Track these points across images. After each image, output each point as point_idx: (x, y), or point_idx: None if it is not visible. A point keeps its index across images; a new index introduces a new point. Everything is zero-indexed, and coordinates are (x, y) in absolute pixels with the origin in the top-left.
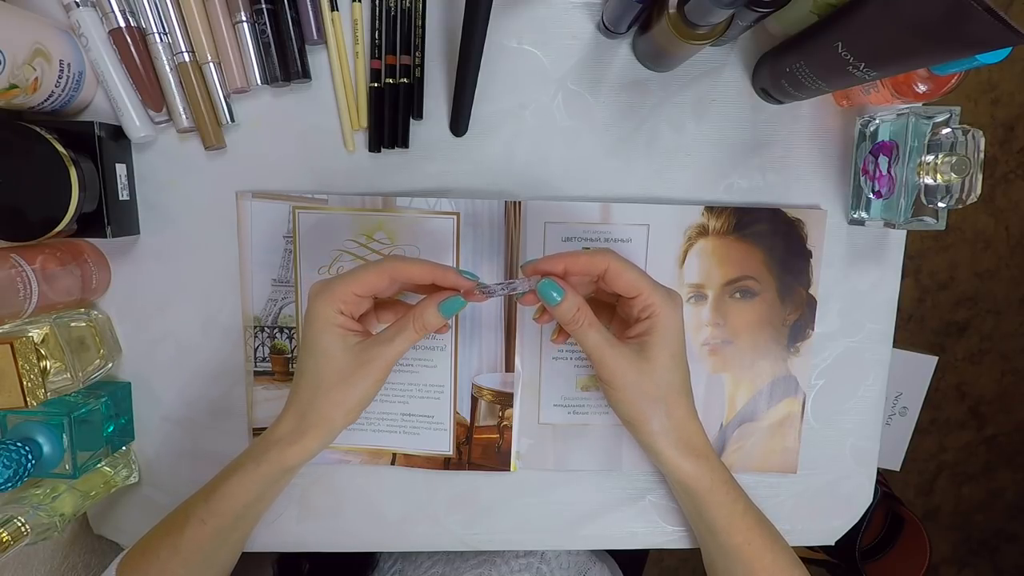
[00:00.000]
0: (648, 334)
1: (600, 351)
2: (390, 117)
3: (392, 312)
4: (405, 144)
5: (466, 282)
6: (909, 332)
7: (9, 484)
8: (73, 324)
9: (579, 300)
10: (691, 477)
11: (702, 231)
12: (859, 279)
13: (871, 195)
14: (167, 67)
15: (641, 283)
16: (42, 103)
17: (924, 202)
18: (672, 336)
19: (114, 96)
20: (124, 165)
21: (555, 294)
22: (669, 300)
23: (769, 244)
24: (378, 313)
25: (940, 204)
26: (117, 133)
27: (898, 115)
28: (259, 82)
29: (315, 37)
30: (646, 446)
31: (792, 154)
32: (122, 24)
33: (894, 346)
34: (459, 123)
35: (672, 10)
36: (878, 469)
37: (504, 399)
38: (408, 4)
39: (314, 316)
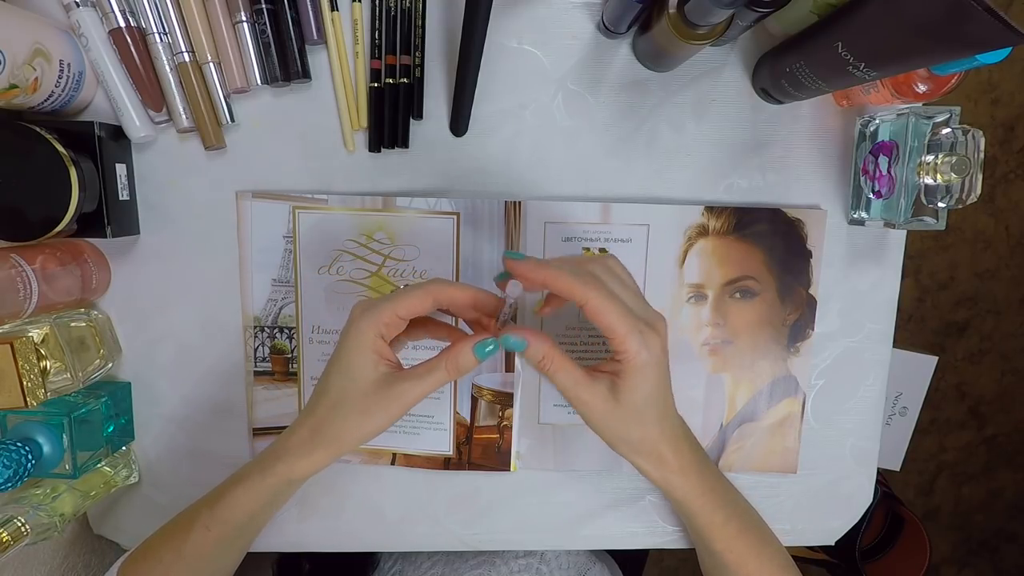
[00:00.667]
0: (620, 376)
1: (569, 392)
2: (390, 117)
3: (422, 328)
4: (405, 144)
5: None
6: (909, 332)
7: (9, 484)
8: (73, 324)
9: (545, 346)
10: (664, 484)
11: (702, 231)
12: (859, 279)
13: (871, 195)
14: (167, 67)
15: (617, 328)
16: (42, 103)
17: (924, 202)
18: (644, 382)
19: (114, 96)
20: (124, 165)
21: (517, 344)
22: (644, 347)
23: (769, 244)
24: (410, 331)
25: (940, 204)
26: (117, 133)
27: (898, 115)
28: (259, 82)
29: (315, 37)
30: (623, 457)
31: (792, 154)
32: (122, 24)
33: (894, 346)
34: (459, 123)
35: (672, 10)
36: (878, 469)
37: (504, 399)
38: (408, 4)
39: (352, 334)
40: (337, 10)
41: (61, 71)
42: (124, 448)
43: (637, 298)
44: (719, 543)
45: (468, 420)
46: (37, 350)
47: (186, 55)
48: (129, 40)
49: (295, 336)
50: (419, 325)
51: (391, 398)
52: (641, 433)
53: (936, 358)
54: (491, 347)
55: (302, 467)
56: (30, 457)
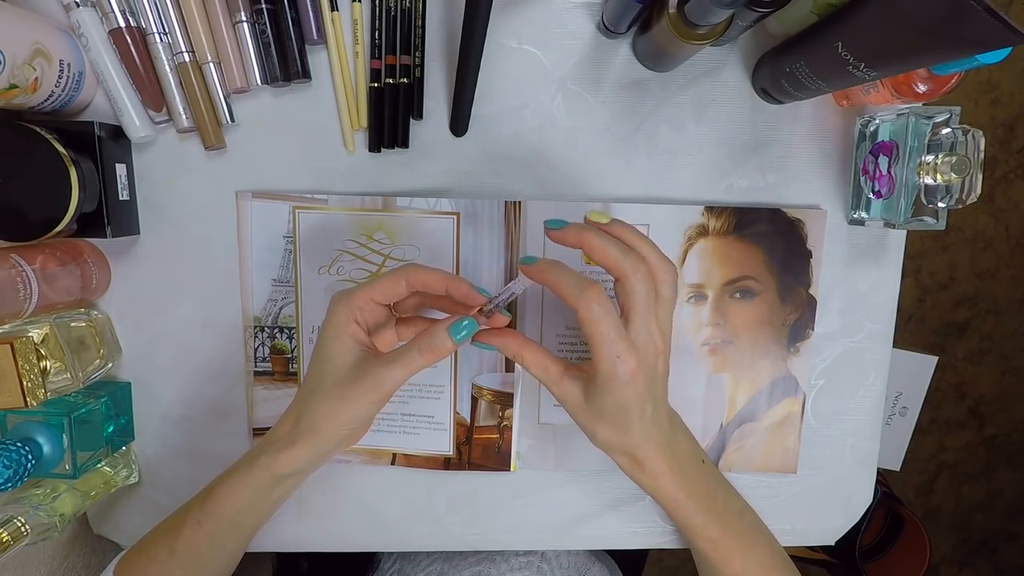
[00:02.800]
0: (592, 381)
1: (546, 386)
2: (390, 117)
3: (413, 328)
4: (405, 144)
5: (478, 298)
6: (909, 332)
7: (9, 484)
8: (73, 324)
9: (514, 344)
10: (639, 484)
11: (702, 231)
12: (859, 279)
13: (871, 195)
14: (167, 67)
15: (600, 349)
16: (42, 103)
17: (924, 202)
18: (611, 395)
19: (114, 96)
20: (124, 165)
21: (486, 347)
22: (615, 369)
23: (769, 244)
24: (399, 330)
25: (940, 204)
26: (117, 133)
27: (898, 115)
28: (259, 82)
29: (315, 37)
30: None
31: (792, 154)
32: (122, 24)
33: (894, 346)
34: (459, 123)
35: (672, 10)
36: (878, 469)
37: (504, 399)
38: (408, 4)
39: (328, 321)
40: (337, 10)
41: (61, 71)
42: (124, 448)
43: (646, 323)
44: (702, 541)
45: (468, 420)
46: (37, 350)
47: (186, 55)
48: (129, 40)
49: (295, 336)
50: (408, 324)
51: (365, 381)
52: (611, 435)
53: (936, 358)
54: (465, 328)
55: (283, 460)
56: (30, 457)
